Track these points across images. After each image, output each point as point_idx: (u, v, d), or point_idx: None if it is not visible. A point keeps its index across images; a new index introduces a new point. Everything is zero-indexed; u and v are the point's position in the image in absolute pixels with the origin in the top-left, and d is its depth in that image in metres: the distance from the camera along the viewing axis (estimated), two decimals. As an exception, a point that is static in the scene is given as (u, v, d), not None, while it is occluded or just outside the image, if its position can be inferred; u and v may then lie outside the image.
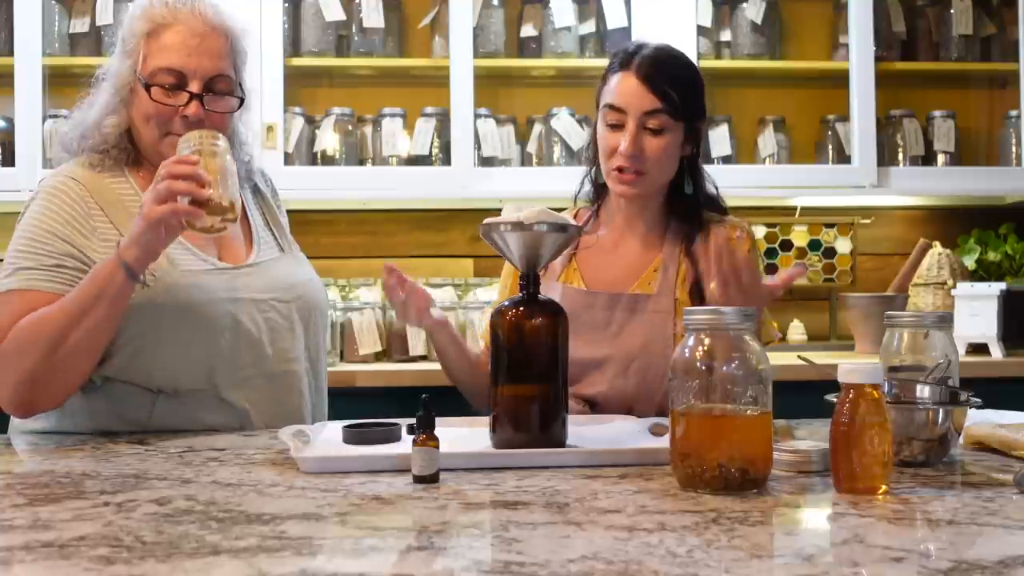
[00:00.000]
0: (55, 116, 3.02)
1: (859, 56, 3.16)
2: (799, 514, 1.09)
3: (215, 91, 1.68)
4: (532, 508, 1.06)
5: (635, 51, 1.79)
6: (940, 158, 3.34)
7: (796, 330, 3.32)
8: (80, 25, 3.11)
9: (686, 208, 1.85)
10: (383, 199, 3.19)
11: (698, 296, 1.76)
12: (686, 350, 1.17)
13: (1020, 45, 3.26)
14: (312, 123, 3.18)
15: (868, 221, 3.43)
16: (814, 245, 3.39)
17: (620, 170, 1.78)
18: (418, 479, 1.20)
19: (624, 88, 1.77)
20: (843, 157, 3.26)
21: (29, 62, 2.98)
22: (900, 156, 3.31)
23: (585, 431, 1.47)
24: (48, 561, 0.88)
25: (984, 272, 3.27)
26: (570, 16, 3.18)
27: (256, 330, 1.69)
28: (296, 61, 3.13)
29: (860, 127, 3.16)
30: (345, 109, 3.17)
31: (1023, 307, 2.95)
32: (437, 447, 1.20)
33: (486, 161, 3.16)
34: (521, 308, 1.39)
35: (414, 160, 3.17)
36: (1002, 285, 2.95)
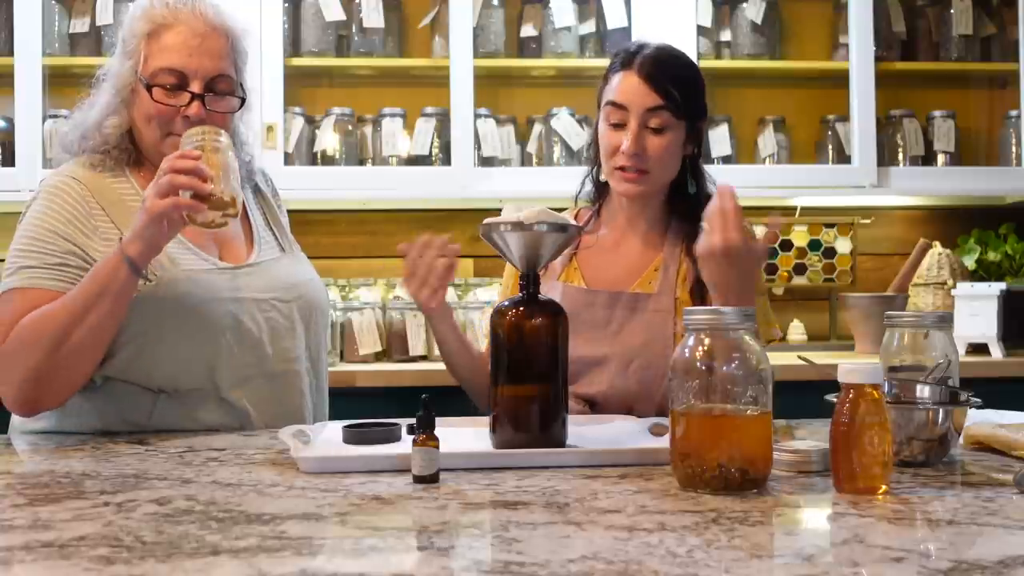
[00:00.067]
0: (55, 116, 3.02)
1: (859, 56, 3.16)
2: (799, 514, 1.09)
3: (216, 91, 1.68)
4: (532, 508, 1.06)
5: (637, 50, 1.80)
6: (940, 158, 3.34)
7: (796, 330, 3.32)
8: (80, 25, 3.11)
9: (687, 207, 1.85)
10: (383, 199, 3.19)
11: (699, 296, 1.76)
12: (686, 350, 1.17)
13: (1020, 45, 3.26)
14: (312, 123, 3.18)
15: (868, 221, 3.43)
16: (814, 245, 3.39)
17: (623, 169, 1.78)
18: (418, 479, 1.20)
19: (626, 86, 1.77)
20: (843, 157, 3.26)
21: (29, 62, 2.98)
22: (900, 156, 3.30)
23: (585, 431, 1.47)
24: (48, 561, 0.88)
25: (984, 272, 3.27)
26: (570, 16, 3.18)
27: (257, 330, 1.69)
28: (296, 61, 3.13)
29: (860, 127, 3.16)
30: (345, 109, 3.17)
31: (1023, 307, 2.95)
32: (437, 447, 1.20)
33: (486, 161, 3.16)
34: (521, 308, 1.39)
35: (414, 160, 3.17)
36: (1002, 285, 2.95)
